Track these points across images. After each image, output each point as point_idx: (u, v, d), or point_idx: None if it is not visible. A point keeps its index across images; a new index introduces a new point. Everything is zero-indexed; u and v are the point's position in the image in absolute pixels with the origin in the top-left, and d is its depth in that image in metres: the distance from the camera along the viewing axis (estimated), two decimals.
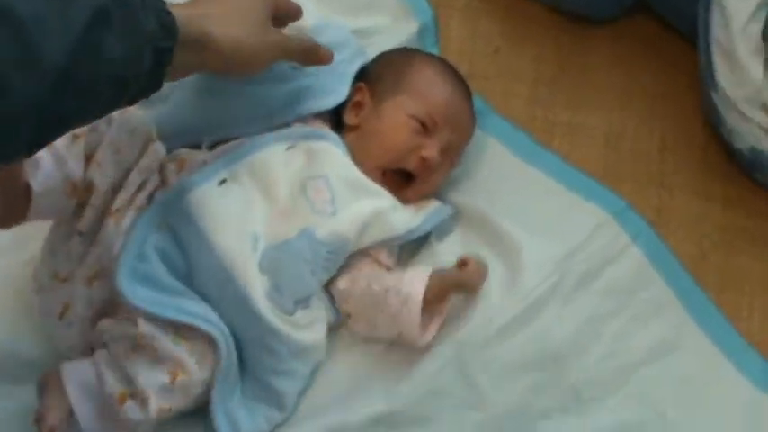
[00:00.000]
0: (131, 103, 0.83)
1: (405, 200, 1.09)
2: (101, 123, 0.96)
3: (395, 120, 1.07)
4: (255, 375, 1.02)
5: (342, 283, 1.06)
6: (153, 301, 0.95)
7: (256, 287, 0.99)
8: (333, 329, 1.08)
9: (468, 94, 1.14)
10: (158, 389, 0.93)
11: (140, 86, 0.81)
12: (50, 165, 0.94)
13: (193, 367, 0.94)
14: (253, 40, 0.93)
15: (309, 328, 1.04)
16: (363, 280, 1.05)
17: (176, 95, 1.07)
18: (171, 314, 0.95)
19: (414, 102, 1.07)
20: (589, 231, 1.15)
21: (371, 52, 1.19)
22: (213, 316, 0.97)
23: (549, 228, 1.15)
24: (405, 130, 1.06)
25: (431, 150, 1.06)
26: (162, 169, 1.02)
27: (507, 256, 1.12)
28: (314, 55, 1.03)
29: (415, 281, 1.02)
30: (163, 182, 1.02)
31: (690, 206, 1.20)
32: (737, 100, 1.15)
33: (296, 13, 1.03)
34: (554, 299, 1.10)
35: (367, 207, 1.05)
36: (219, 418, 0.99)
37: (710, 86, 1.18)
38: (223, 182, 1.02)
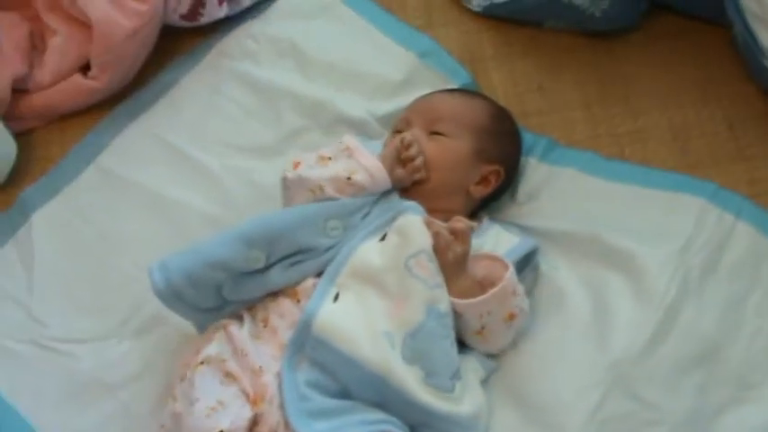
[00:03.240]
0: None
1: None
2: None
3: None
4: None
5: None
6: (333, 428, 0.97)
7: (410, 381, 0.99)
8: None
9: (460, 93, 1.23)
10: None
11: None
12: None
13: None
14: None
15: (470, 396, 1.03)
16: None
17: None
18: (357, 430, 0.96)
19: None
20: (693, 221, 1.15)
21: None
22: (390, 416, 0.99)
23: (653, 230, 1.15)
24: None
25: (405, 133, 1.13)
26: (268, 309, 1.06)
27: (624, 268, 1.12)
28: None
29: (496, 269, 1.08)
30: (281, 316, 1.04)
31: None
32: None
33: None
34: (688, 294, 1.09)
35: None
36: None
37: (758, 54, 1.20)
38: (337, 297, 1.04)
